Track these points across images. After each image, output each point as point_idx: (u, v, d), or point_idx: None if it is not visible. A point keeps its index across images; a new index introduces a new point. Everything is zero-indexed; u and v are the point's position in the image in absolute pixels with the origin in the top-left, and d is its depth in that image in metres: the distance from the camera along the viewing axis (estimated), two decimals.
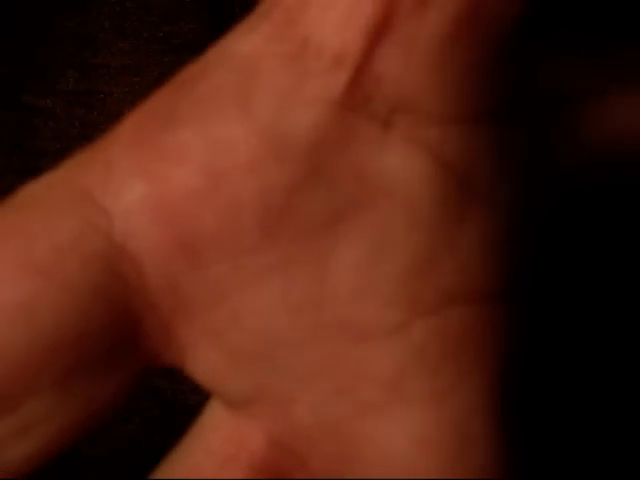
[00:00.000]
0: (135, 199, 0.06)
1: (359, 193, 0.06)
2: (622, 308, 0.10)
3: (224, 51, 0.07)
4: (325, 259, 0.06)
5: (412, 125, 0.06)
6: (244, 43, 0.07)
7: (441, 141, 0.07)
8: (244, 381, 0.07)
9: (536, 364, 0.08)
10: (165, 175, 0.06)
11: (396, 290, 0.07)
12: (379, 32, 0.06)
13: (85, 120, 0.39)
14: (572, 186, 0.08)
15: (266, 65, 0.06)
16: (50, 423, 0.06)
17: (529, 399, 0.08)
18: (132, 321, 0.06)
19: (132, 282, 0.06)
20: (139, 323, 0.06)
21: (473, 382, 0.07)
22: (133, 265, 0.06)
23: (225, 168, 0.06)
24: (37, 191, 0.06)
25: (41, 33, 0.40)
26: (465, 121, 0.06)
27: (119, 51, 0.40)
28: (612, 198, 0.08)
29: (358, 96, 0.06)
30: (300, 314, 0.07)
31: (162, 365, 0.06)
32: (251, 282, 0.06)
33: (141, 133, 0.06)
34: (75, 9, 0.40)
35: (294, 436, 0.07)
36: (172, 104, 0.06)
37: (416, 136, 0.06)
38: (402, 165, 0.06)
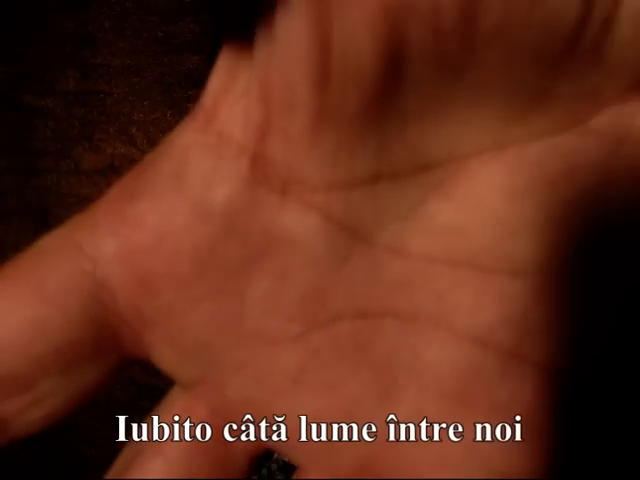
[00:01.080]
0: (110, 252, 0.09)
1: (265, 243, 0.09)
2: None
3: (168, 143, 0.09)
4: (243, 289, 0.09)
5: (302, 192, 0.09)
6: (180, 137, 0.09)
7: (326, 202, 0.09)
8: (190, 370, 0.10)
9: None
10: (128, 236, 0.09)
11: (296, 310, 0.09)
12: (264, 128, 0.09)
13: (85, 120, 0.39)
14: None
15: (194, 153, 0.09)
16: (56, 396, 0.09)
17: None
18: (111, 331, 0.09)
19: (110, 306, 0.09)
20: (116, 332, 0.09)
21: (362, 376, 0.09)
22: (110, 295, 0.09)
23: (167, 229, 0.09)
24: (44, 244, 0.09)
25: (41, 33, 0.40)
26: (342, 187, 0.09)
27: (119, 51, 0.40)
28: None
29: (259, 174, 0.09)
30: (226, 326, 0.09)
31: (135, 358, 0.10)
32: (190, 306, 0.09)
33: (114, 205, 0.09)
34: (75, 9, 0.40)
35: (226, 409, 0.10)
36: (133, 184, 0.09)
37: (306, 200, 0.09)
38: (297, 222, 0.09)
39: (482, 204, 0.09)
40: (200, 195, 0.09)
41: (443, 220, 0.09)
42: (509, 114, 0.09)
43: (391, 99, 0.08)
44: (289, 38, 0.08)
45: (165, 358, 0.09)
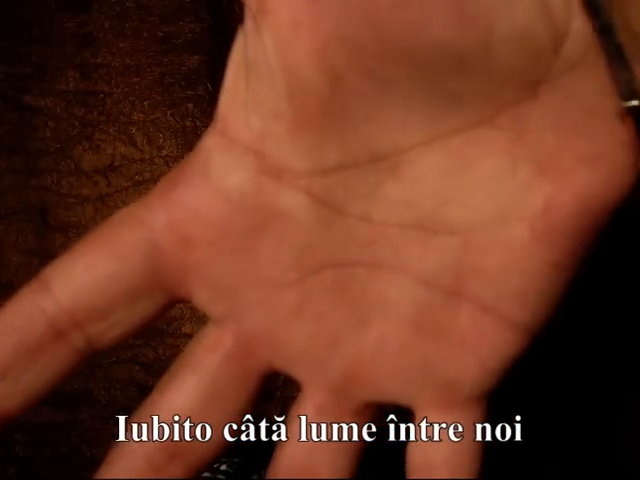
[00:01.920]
0: (162, 223, 0.12)
1: (267, 215, 0.12)
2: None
3: (199, 145, 0.13)
4: (253, 250, 0.12)
5: (291, 178, 0.12)
6: (206, 141, 0.12)
7: (308, 185, 0.12)
8: (218, 307, 0.13)
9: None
10: (173, 212, 0.12)
11: (293, 263, 0.12)
12: (261, 133, 0.12)
13: (85, 120, 0.39)
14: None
15: (215, 151, 0.12)
16: (125, 322, 0.12)
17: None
18: (163, 278, 0.12)
19: (162, 261, 0.12)
20: (166, 279, 0.13)
21: (342, 309, 0.13)
22: (161, 253, 0.12)
23: (199, 207, 0.12)
24: (114, 220, 0.13)
25: (41, 33, 0.40)
26: (318, 174, 0.12)
27: (119, 51, 0.40)
28: None
29: (260, 166, 0.12)
30: (243, 275, 0.12)
31: (180, 299, 0.13)
32: (215, 259, 0.12)
33: (162, 191, 0.12)
34: (75, 9, 0.40)
35: (246, 337, 0.13)
36: (175, 177, 0.13)
37: (295, 184, 0.12)
38: (289, 199, 0.12)
39: (422, 183, 0.12)
40: (220, 182, 0.12)
41: (395, 196, 0.12)
42: (433, 115, 0.12)
43: (341, 107, 0.11)
44: (265, 65, 0.11)
45: (201, 298, 0.13)
